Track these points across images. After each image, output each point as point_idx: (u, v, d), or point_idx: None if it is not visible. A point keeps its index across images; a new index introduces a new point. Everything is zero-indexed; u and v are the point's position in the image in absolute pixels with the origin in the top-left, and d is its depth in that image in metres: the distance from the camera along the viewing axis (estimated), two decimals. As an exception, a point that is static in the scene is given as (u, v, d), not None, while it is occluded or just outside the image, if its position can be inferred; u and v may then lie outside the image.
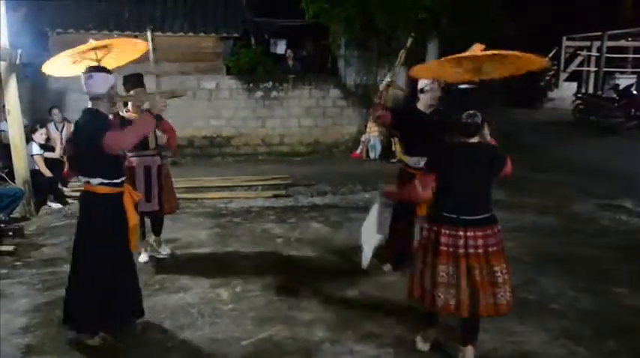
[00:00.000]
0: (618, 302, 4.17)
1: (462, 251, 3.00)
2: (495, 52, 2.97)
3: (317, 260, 5.09)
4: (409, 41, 4.72)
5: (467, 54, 3.08)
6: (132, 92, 4.54)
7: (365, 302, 4.15)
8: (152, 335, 3.60)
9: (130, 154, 4.50)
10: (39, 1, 10.14)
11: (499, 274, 3.01)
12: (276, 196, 7.54)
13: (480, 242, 3.00)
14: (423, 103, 4.46)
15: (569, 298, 4.22)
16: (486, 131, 3.21)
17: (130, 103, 4.68)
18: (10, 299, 4.18)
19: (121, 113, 4.54)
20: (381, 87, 4.59)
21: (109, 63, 3.68)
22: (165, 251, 5.08)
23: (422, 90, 4.44)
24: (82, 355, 3.38)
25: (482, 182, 3.09)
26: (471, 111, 2.96)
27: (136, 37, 9.95)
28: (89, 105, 3.44)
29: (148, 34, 4.03)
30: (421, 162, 4.38)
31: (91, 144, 3.27)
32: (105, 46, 4.13)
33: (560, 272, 4.72)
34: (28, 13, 9.63)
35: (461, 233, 3.00)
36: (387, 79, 4.58)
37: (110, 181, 3.38)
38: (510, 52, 2.95)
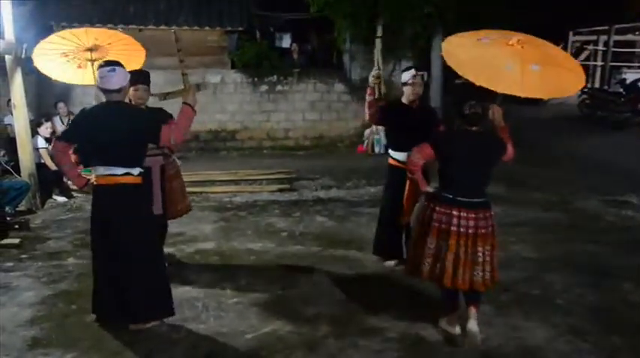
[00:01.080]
0: (623, 298, 4.15)
1: (454, 228, 3.21)
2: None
3: (321, 254, 5.09)
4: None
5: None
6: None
7: (369, 296, 4.15)
8: (157, 327, 3.61)
9: None
10: (44, -6, 10.15)
11: (480, 254, 3.24)
12: (280, 190, 7.55)
13: (471, 223, 3.23)
14: (407, 97, 4.48)
15: (575, 294, 4.20)
16: (498, 116, 3.37)
17: (132, 100, 4.68)
18: (16, 292, 4.21)
19: None
20: (371, 82, 4.59)
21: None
22: None
23: (405, 84, 4.45)
24: (87, 347, 3.40)
25: (481, 168, 3.31)
26: (472, 102, 3.18)
27: (140, 30, 10.02)
28: (98, 99, 3.48)
29: (172, 34, 4.07)
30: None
31: (145, 134, 3.41)
32: (98, 49, 4.16)
33: (565, 267, 4.70)
34: (33, 7, 9.63)
35: (455, 212, 3.23)
36: (374, 72, 4.62)
37: (142, 171, 3.48)
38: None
